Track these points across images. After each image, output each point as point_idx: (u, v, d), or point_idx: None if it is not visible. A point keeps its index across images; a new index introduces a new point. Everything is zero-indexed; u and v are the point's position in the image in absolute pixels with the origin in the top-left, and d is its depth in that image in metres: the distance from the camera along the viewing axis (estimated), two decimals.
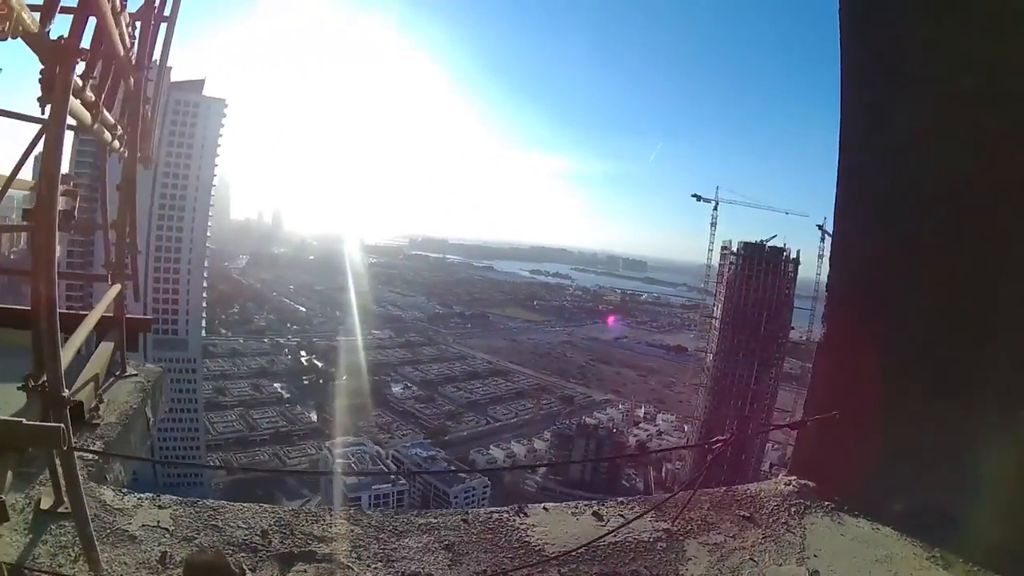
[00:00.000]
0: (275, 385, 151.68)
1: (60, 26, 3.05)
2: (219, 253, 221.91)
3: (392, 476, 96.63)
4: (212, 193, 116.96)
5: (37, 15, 2.32)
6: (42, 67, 2.59)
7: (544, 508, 4.06)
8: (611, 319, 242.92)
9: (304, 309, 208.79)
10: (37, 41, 2.44)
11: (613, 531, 3.70)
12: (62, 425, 2.40)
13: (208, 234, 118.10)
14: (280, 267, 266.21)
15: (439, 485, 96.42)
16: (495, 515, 3.94)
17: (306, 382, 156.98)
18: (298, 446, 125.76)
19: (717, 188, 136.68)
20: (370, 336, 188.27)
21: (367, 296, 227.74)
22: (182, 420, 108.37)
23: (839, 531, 3.97)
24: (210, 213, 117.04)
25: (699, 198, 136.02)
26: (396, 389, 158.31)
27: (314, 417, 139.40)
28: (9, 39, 1.93)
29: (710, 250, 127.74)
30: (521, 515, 3.93)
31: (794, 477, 4.48)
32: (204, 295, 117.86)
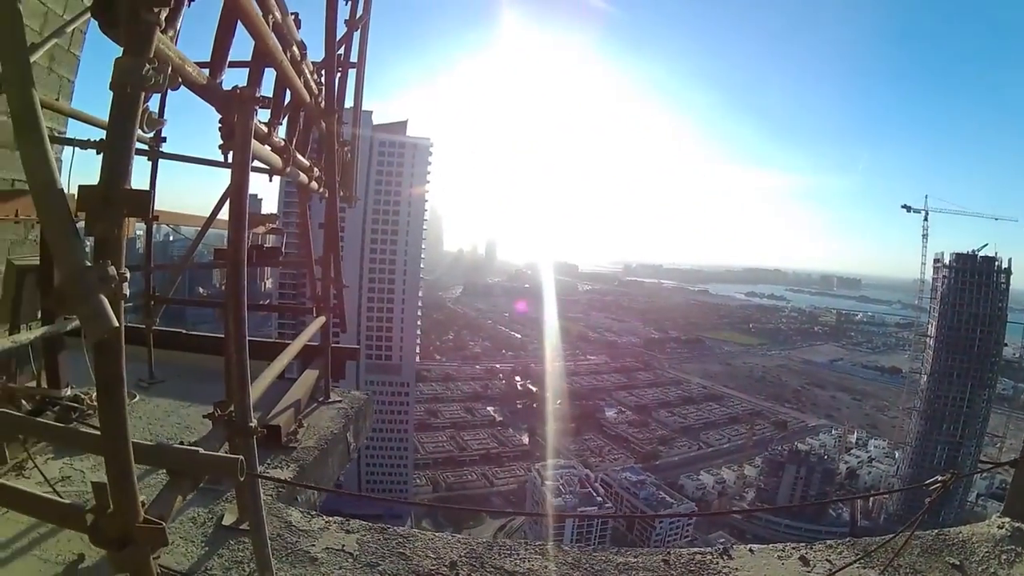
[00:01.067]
0: (488, 408, 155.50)
1: (238, 77, 3.31)
2: (433, 283, 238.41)
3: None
4: (424, 226, 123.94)
5: (208, 70, 2.48)
6: (220, 116, 2.77)
7: (750, 550, 3.78)
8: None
9: (519, 336, 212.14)
10: (209, 92, 2.60)
11: None
12: (240, 457, 2.46)
13: (421, 264, 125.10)
14: (495, 296, 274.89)
15: (646, 510, 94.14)
16: (697, 556, 3.69)
17: (519, 406, 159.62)
18: (507, 467, 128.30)
19: (926, 197, 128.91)
20: (585, 361, 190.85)
21: (583, 322, 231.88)
22: (392, 440, 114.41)
23: None
24: (423, 245, 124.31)
25: (909, 209, 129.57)
26: (609, 413, 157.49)
27: (525, 440, 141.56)
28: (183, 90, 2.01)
29: (923, 263, 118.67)
30: (725, 557, 3.67)
31: (1008, 519, 3.89)
32: (418, 322, 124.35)
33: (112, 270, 1.64)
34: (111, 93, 1.75)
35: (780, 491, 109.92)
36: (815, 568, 3.58)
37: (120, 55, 1.77)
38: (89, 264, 1.60)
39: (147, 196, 1.70)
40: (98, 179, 1.70)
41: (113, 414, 1.84)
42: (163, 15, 1.80)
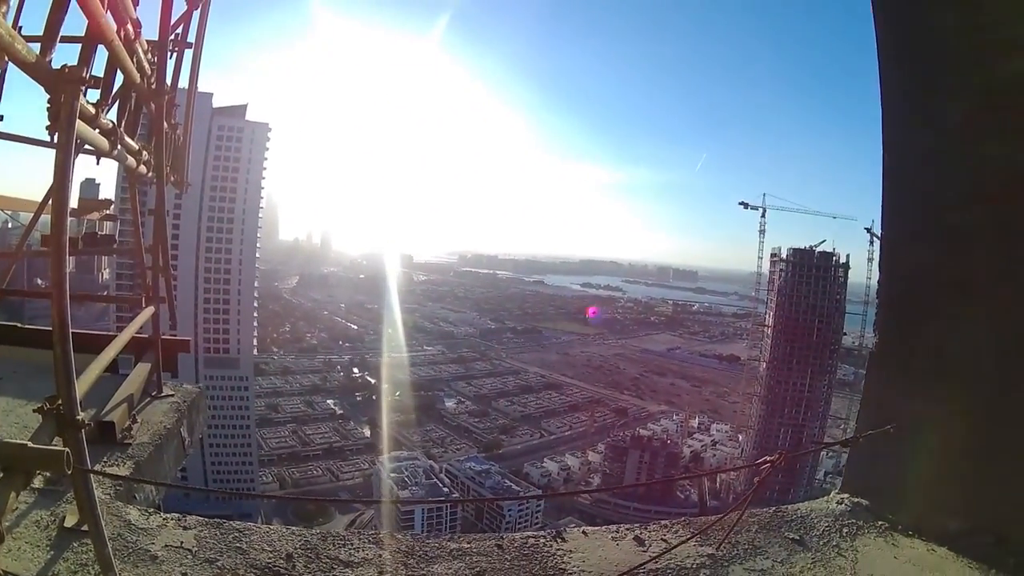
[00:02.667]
0: (328, 401, 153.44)
1: (69, 55, 3.12)
2: (269, 274, 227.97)
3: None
4: (260, 215, 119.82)
5: (37, 45, 2.35)
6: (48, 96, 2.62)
7: (583, 532, 3.90)
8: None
9: (356, 327, 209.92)
10: (37, 70, 2.46)
11: (655, 557, 3.52)
12: (67, 450, 2.39)
13: (257, 255, 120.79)
14: (330, 286, 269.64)
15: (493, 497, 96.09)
16: (531, 540, 3.78)
17: (359, 398, 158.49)
18: (351, 461, 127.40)
19: (764, 195, 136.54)
20: (422, 352, 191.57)
21: (419, 313, 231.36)
22: (234, 436, 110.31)
23: (892, 553, 3.74)
24: (258, 234, 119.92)
25: (746, 205, 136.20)
26: (450, 404, 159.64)
27: (367, 432, 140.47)
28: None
29: (760, 258, 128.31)
30: (558, 540, 3.77)
31: (846, 495, 4.28)
32: (255, 314, 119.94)
33: None
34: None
35: (625, 475, 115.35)
36: (651, 548, 3.68)
37: None
38: None
39: None
40: None
41: None
42: None
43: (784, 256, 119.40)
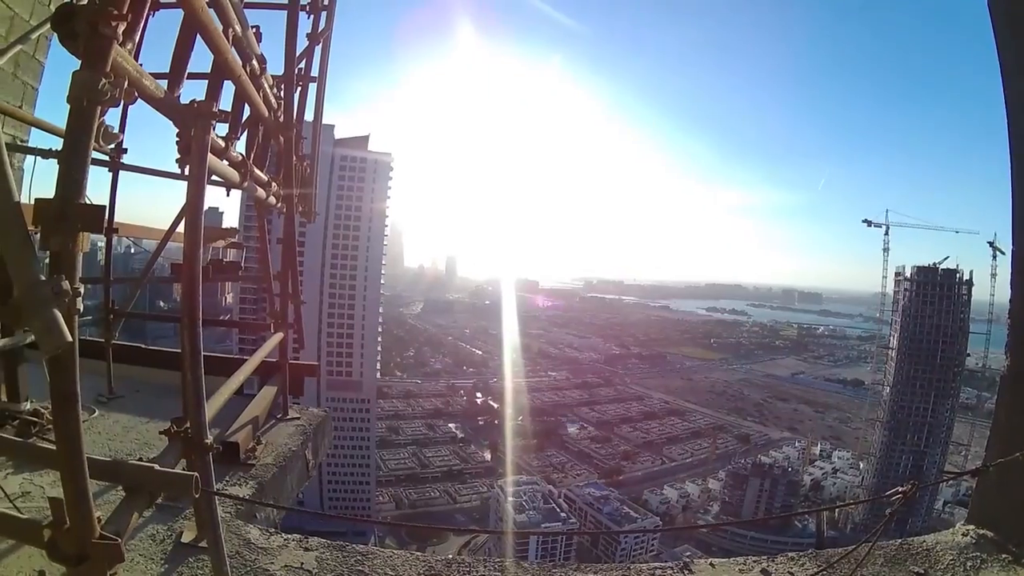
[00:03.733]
0: (450, 425, 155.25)
1: (197, 91, 3.30)
2: (394, 299, 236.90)
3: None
4: (384, 242, 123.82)
5: (164, 82, 2.48)
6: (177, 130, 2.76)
7: (711, 564, 3.75)
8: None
9: (480, 352, 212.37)
10: (166, 106, 2.59)
11: None
12: (196, 475, 2.44)
13: (382, 281, 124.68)
14: (455, 312, 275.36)
15: (610, 525, 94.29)
16: (658, 571, 3.67)
17: (481, 422, 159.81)
18: (469, 484, 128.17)
19: (887, 211, 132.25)
20: (546, 377, 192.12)
21: (544, 339, 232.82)
22: (354, 457, 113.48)
23: None
24: (383, 261, 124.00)
25: (869, 223, 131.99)
26: (572, 429, 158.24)
27: (488, 456, 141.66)
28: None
29: (884, 277, 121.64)
30: (686, 572, 3.63)
31: (972, 527, 3.96)
32: (379, 339, 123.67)
33: (66, 284, 1.62)
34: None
35: (745, 504, 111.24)
36: None
37: (78, 68, 1.77)
38: (43, 278, 1.59)
39: (101, 212, 1.67)
40: (54, 192, 1.69)
41: (68, 429, 1.82)
42: (121, 29, 1.80)
43: (908, 275, 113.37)
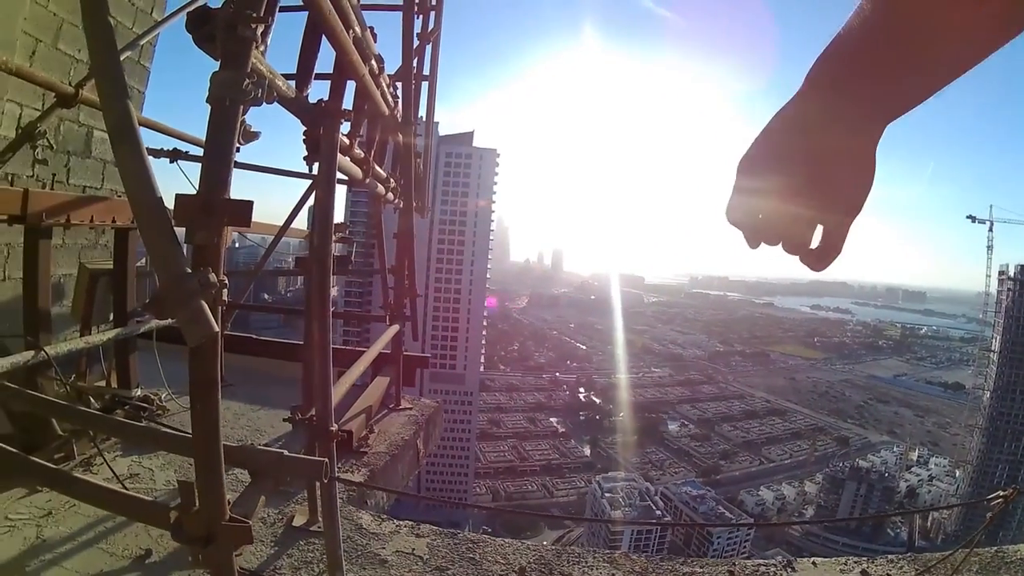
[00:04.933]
0: (551, 419, 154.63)
1: (322, 91, 3.40)
2: (499, 293, 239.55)
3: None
4: (491, 237, 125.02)
5: (293, 83, 2.55)
6: (305, 128, 2.85)
7: (813, 563, 3.75)
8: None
9: (584, 347, 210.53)
10: (295, 105, 2.67)
11: None
12: (325, 460, 2.51)
13: (487, 276, 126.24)
14: (560, 307, 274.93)
15: (703, 523, 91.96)
16: (762, 568, 3.67)
17: (582, 417, 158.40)
18: (567, 478, 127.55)
19: (991, 207, 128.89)
20: (650, 373, 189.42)
21: (648, 334, 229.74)
22: (454, 448, 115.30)
23: None
24: (489, 256, 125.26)
25: (974, 219, 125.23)
26: (672, 427, 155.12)
27: (587, 451, 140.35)
28: (265, 104, 2.07)
29: (987, 276, 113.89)
30: (789, 570, 3.64)
31: None
32: (483, 332, 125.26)
33: (212, 277, 1.69)
34: (207, 106, 1.81)
35: (840, 508, 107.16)
36: None
37: (215, 69, 1.83)
38: (190, 271, 1.65)
39: (248, 206, 1.73)
40: (197, 188, 1.76)
41: (206, 415, 1.89)
42: (260, 31, 1.86)
43: (1012, 274, 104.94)
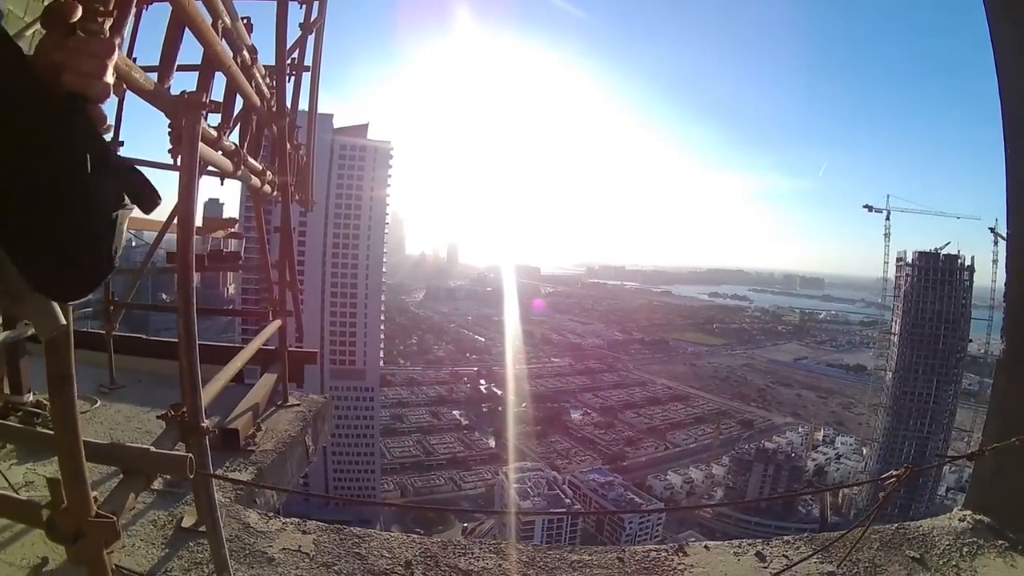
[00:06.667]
0: (453, 412, 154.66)
1: (189, 82, 3.34)
2: (396, 287, 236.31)
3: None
4: (386, 230, 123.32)
5: (155, 75, 2.52)
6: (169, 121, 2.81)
7: (705, 547, 3.81)
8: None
9: (482, 339, 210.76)
10: (157, 97, 2.63)
11: (776, 574, 3.43)
12: (190, 455, 2.50)
13: (384, 269, 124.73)
14: (457, 299, 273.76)
15: (615, 510, 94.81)
16: (652, 553, 3.71)
17: (485, 409, 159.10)
18: (474, 470, 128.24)
19: (888, 197, 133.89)
20: (549, 364, 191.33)
21: (546, 325, 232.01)
22: (358, 445, 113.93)
23: (1010, 574, 3.50)
24: (384, 249, 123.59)
25: (870, 208, 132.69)
26: (575, 415, 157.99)
27: (492, 443, 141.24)
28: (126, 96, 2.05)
29: (885, 263, 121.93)
30: (680, 554, 3.70)
31: (969, 512, 4.01)
32: (381, 327, 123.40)
33: None
34: None
35: (749, 489, 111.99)
36: (772, 563, 3.60)
37: None
38: None
39: None
40: None
41: (64, 411, 1.87)
42: (107, 25, 1.84)
43: (910, 260, 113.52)
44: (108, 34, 1.83)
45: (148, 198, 1.42)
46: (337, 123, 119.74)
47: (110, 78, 1.22)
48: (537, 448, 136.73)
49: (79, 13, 1.21)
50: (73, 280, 1.36)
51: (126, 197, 1.38)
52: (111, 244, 1.35)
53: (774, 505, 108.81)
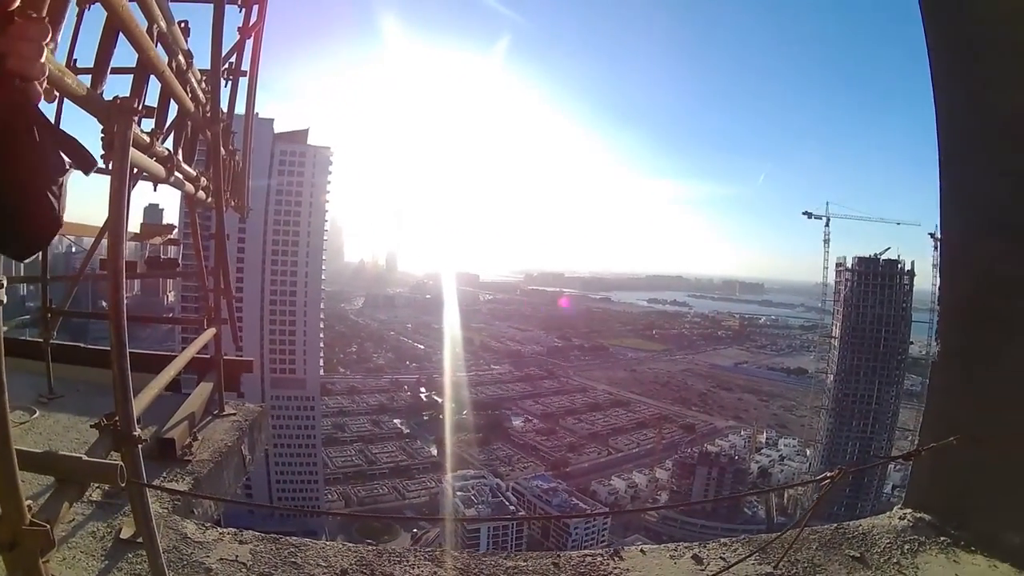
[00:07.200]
0: (395, 421, 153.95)
1: (122, 87, 3.30)
2: (335, 295, 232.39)
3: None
4: (325, 237, 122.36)
5: (88, 78, 2.50)
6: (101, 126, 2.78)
7: (641, 551, 3.84)
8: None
9: (422, 347, 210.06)
10: (89, 102, 2.61)
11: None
12: (120, 464, 2.48)
13: (323, 276, 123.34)
14: (396, 307, 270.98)
15: (559, 515, 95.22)
16: (588, 559, 3.73)
17: (426, 417, 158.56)
18: (417, 479, 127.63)
19: (827, 204, 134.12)
20: (489, 371, 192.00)
21: (486, 332, 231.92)
22: (301, 455, 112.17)
23: (953, 570, 3.59)
24: (323, 256, 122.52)
25: (810, 215, 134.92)
26: (517, 422, 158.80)
27: (434, 451, 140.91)
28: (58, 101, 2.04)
29: (825, 268, 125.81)
30: (616, 559, 3.71)
31: (909, 510, 4.11)
32: (321, 335, 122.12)
33: None
34: None
35: (693, 492, 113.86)
36: (709, 566, 3.62)
37: None
38: None
39: None
40: None
41: None
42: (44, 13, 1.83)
43: (849, 265, 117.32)
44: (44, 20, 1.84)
45: (85, 160, 1.67)
46: (280, 127, 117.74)
47: (45, 59, 1.39)
48: (479, 456, 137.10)
49: (17, 3, 1.32)
50: (29, 236, 1.57)
51: (67, 161, 1.57)
52: (58, 204, 1.53)
53: (720, 507, 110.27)
